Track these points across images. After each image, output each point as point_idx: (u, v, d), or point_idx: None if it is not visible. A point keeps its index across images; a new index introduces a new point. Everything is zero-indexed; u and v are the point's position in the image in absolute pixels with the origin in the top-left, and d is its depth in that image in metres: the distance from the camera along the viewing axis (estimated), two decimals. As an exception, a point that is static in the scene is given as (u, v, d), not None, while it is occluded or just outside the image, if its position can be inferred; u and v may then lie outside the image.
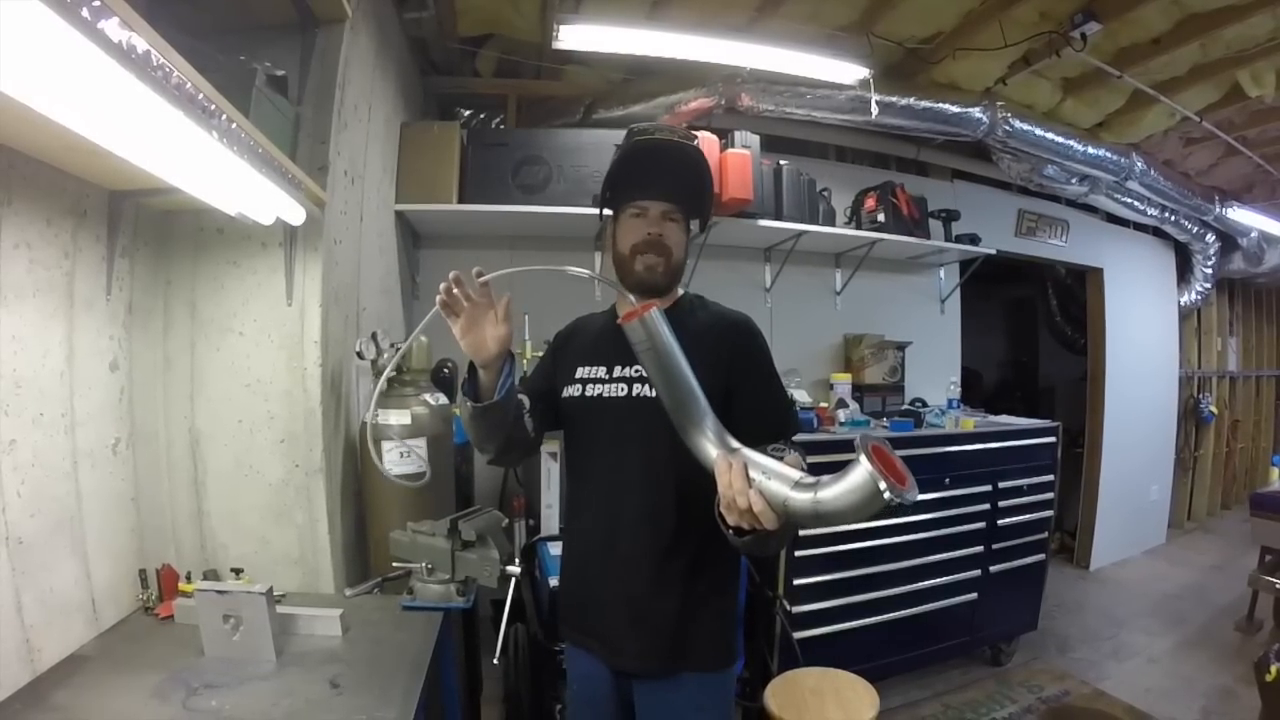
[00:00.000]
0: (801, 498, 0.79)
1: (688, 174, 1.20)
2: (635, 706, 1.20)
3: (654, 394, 0.99)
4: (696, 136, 1.22)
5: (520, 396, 1.13)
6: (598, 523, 1.20)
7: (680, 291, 1.27)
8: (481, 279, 0.96)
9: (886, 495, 0.71)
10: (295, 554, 1.58)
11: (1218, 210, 3.96)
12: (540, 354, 2.28)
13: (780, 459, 0.86)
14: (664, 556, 1.12)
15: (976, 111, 2.76)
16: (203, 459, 1.55)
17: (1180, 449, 4.91)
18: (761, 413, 1.12)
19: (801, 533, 2.34)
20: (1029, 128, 2.87)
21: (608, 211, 1.26)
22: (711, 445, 0.89)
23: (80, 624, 1.25)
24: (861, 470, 0.73)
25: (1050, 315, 5.09)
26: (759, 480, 0.82)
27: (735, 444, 0.89)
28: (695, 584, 1.14)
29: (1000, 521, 2.74)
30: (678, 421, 0.92)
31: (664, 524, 1.11)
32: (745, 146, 2.56)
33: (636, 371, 1.15)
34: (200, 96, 0.86)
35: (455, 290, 0.95)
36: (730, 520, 0.84)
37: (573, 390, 1.22)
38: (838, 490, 0.76)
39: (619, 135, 1.29)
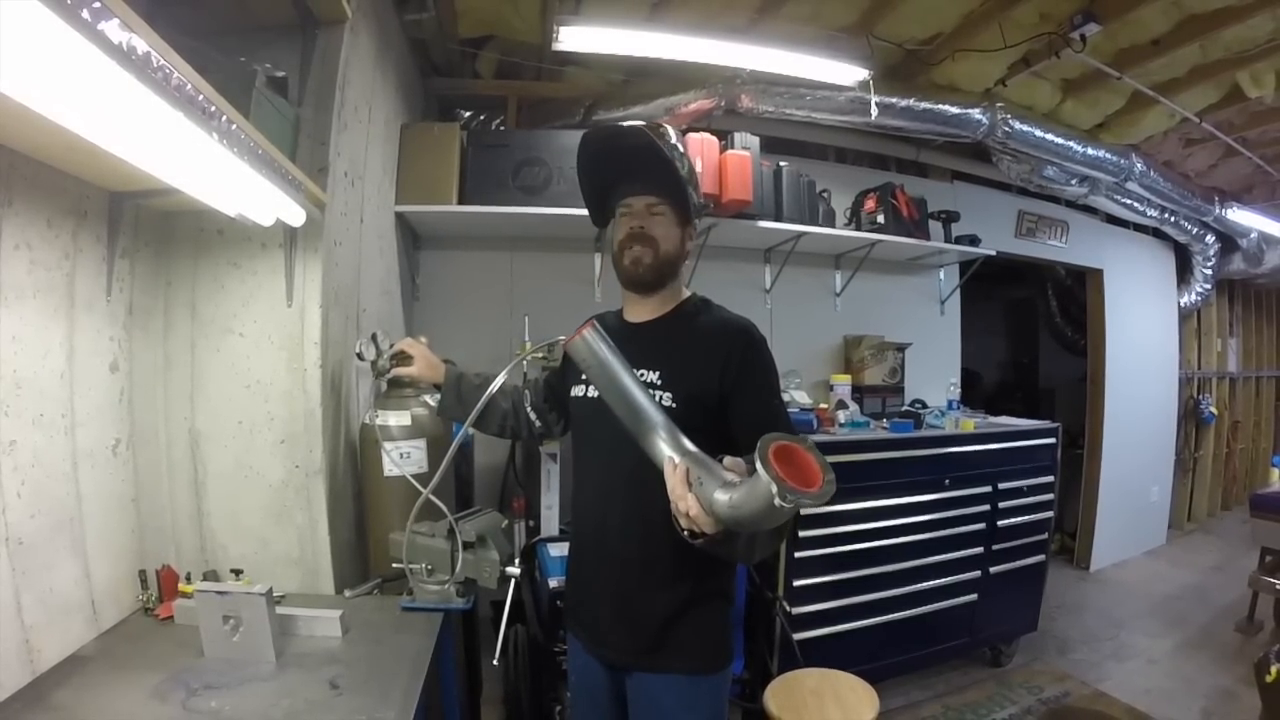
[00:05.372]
0: (722, 499, 0.79)
1: (652, 159, 1.12)
2: (627, 702, 1.21)
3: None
4: (661, 124, 1.17)
5: (525, 390, 1.44)
6: (593, 520, 1.22)
7: (687, 293, 1.27)
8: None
9: (777, 502, 0.71)
10: (295, 555, 1.58)
11: (1217, 211, 3.96)
12: (540, 354, 2.30)
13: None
14: (654, 557, 1.13)
15: (976, 113, 2.76)
16: (203, 460, 1.55)
17: (1180, 450, 4.91)
18: (755, 425, 1.12)
19: (801, 534, 2.34)
20: (1029, 129, 2.87)
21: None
22: (665, 449, 0.90)
23: (80, 624, 1.24)
24: (759, 476, 0.73)
25: (1050, 316, 5.08)
26: (696, 483, 0.83)
27: (690, 447, 0.90)
28: (685, 585, 1.14)
29: (1000, 522, 2.74)
30: (633, 431, 0.95)
31: (655, 525, 1.11)
32: (745, 148, 2.56)
33: (641, 375, 1.15)
34: (200, 98, 0.87)
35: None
36: (681, 523, 0.87)
37: (577, 391, 1.25)
38: (743, 494, 0.76)
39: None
